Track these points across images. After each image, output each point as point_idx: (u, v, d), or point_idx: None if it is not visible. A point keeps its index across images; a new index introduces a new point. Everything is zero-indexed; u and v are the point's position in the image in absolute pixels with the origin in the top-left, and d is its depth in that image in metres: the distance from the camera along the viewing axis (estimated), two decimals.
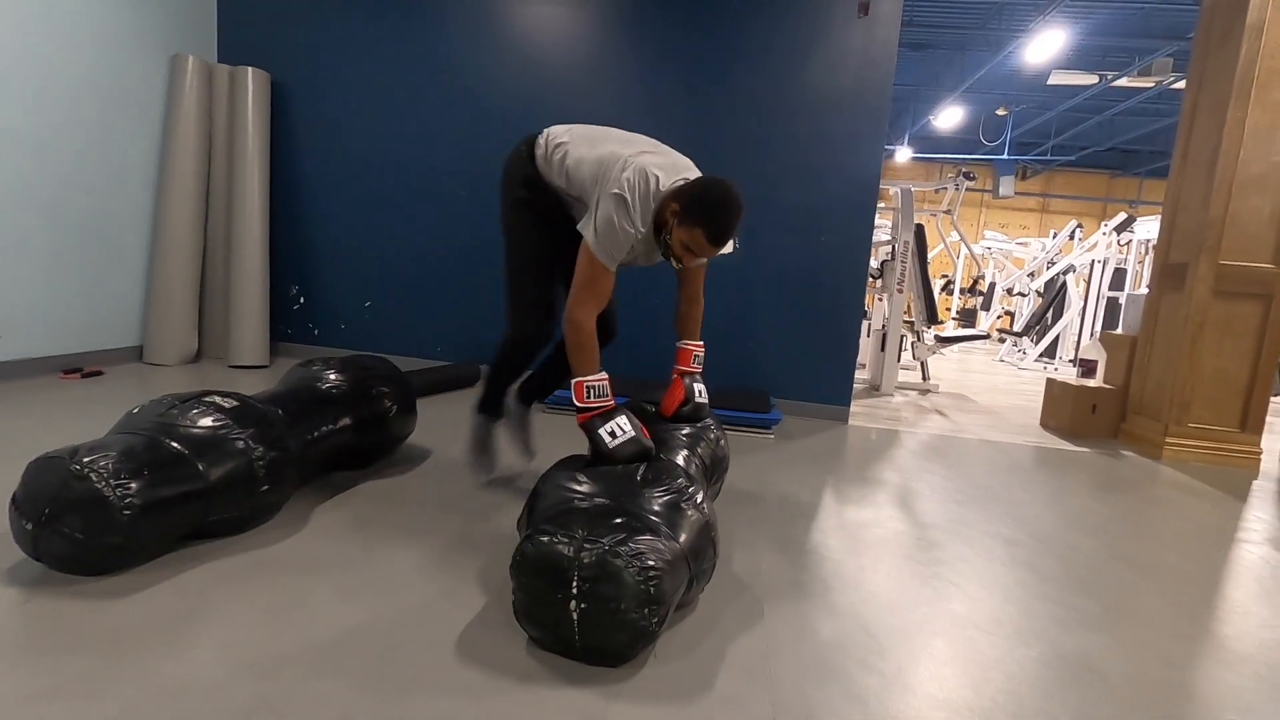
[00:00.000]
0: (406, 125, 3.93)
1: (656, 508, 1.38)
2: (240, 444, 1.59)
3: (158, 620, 1.25)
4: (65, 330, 3.30)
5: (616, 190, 1.64)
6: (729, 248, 1.73)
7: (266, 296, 3.84)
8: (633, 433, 1.62)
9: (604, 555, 1.18)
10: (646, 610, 1.17)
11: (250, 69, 3.72)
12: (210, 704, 1.03)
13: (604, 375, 1.72)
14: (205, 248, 3.81)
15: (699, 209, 1.62)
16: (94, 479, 1.33)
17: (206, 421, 1.58)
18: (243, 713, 1.02)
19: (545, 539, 1.22)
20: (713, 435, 2.02)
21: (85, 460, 1.35)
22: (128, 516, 1.34)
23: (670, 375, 2.02)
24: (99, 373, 3.28)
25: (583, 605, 1.17)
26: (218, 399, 1.67)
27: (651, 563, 1.19)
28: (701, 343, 2.03)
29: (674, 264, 1.77)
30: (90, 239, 3.35)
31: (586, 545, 1.19)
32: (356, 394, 2.10)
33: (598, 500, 1.40)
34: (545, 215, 1.91)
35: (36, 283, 3.13)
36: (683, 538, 1.32)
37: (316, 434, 1.90)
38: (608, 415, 1.65)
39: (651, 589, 1.17)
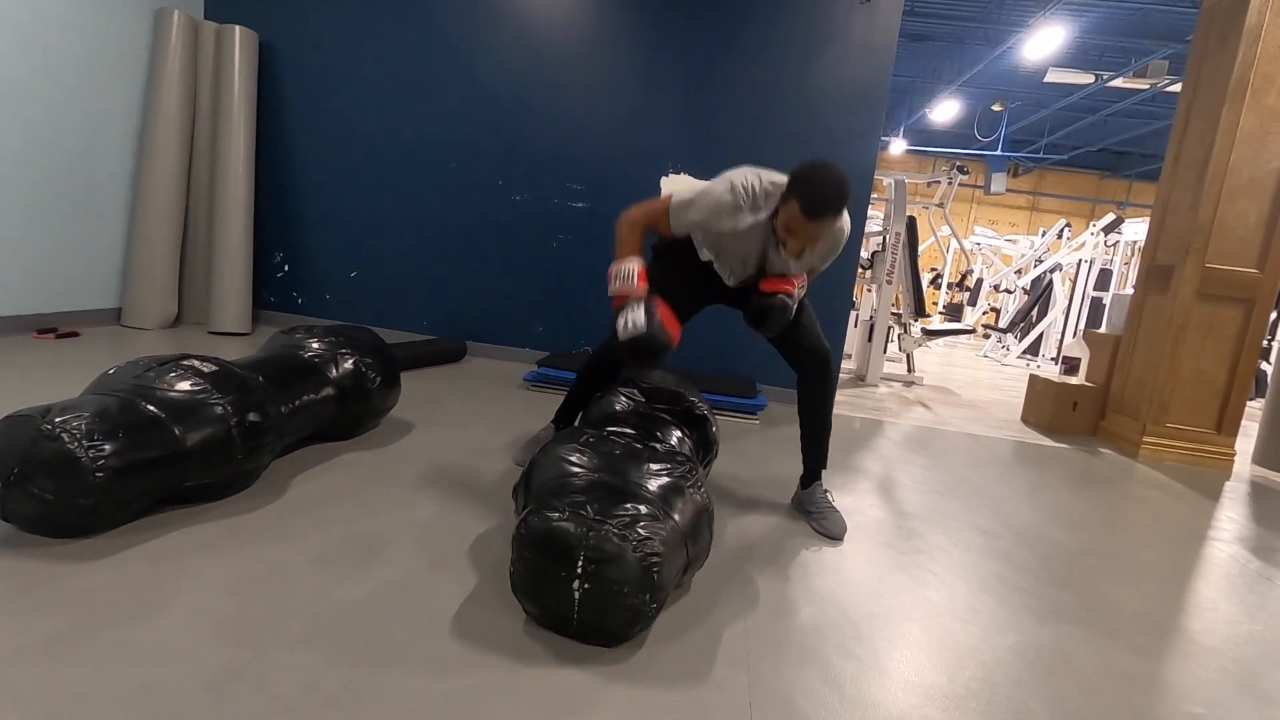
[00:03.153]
0: (398, 93, 3.84)
1: (659, 489, 1.37)
2: (218, 409, 1.56)
3: (129, 585, 1.23)
4: (40, 289, 3.21)
5: (727, 183, 1.72)
6: (828, 252, 1.80)
7: (249, 262, 3.76)
8: (643, 326, 1.63)
9: (612, 537, 1.16)
10: (647, 595, 1.17)
11: (238, 27, 3.61)
12: (179, 670, 1.02)
13: (632, 262, 1.73)
14: (187, 210, 3.72)
15: (795, 182, 1.64)
16: (66, 439, 1.30)
17: (184, 385, 1.55)
18: (212, 680, 1.01)
19: (553, 514, 1.20)
20: (699, 416, 2.02)
21: (57, 420, 1.32)
22: (100, 479, 1.31)
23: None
24: (75, 334, 3.21)
25: (586, 586, 1.16)
26: (196, 363, 1.63)
27: (657, 548, 1.18)
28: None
29: (783, 254, 1.75)
30: (68, 195, 3.26)
31: (594, 526, 1.17)
32: (339, 364, 2.07)
33: (599, 477, 1.38)
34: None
35: (10, 238, 3.04)
36: (684, 521, 1.32)
37: (297, 403, 1.88)
38: (629, 304, 1.68)
39: (654, 575, 1.17)
